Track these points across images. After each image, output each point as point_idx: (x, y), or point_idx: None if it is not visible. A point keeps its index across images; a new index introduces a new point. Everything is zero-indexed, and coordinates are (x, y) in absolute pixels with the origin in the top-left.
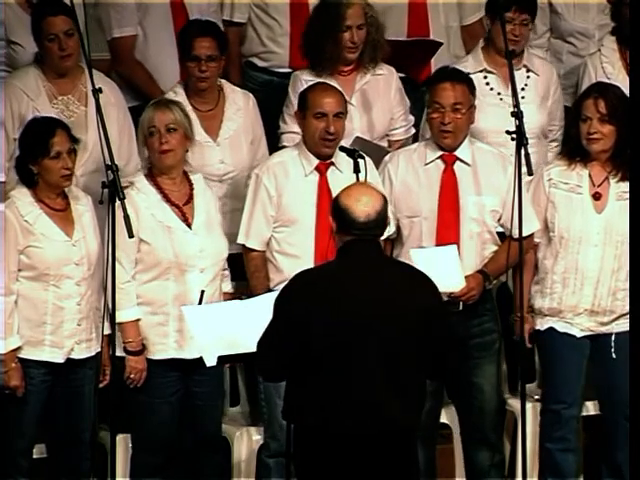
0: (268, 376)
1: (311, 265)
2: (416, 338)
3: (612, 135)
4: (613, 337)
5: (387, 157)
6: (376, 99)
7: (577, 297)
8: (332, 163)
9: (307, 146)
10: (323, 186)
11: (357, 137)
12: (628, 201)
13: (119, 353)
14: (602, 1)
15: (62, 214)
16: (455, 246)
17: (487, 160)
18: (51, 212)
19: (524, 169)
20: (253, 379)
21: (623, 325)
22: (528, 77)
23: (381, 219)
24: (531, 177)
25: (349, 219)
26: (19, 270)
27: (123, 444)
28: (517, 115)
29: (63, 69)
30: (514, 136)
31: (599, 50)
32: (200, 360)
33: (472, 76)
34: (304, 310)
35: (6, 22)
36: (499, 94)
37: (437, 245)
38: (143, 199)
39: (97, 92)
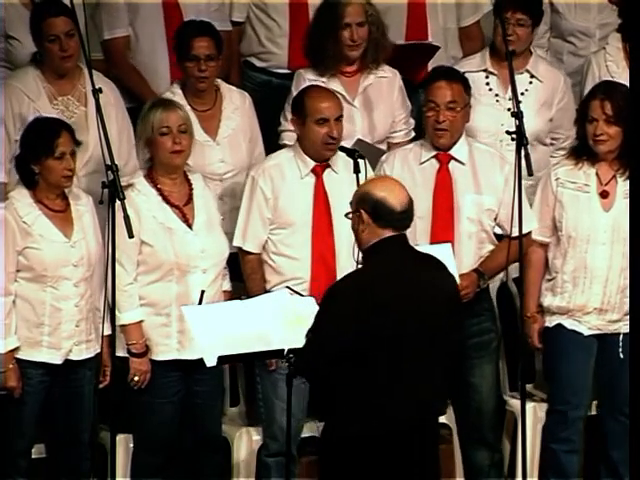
0: (312, 375)
1: (308, 266)
2: (447, 325)
3: (618, 136)
4: (621, 337)
5: (383, 157)
6: (379, 101)
7: (586, 296)
8: (328, 165)
9: (306, 150)
10: (319, 188)
11: (358, 139)
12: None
13: (119, 353)
14: (603, 0)
15: (61, 215)
16: (449, 244)
17: (483, 159)
18: (50, 213)
19: (524, 170)
20: (253, 379)
21: None
22: (530, 82)
23: (412, 209)
24: (530, 177)
25: (387, 209)
26: (17, 271)
27: (123, 444)
28: (517, 115)
29: (64, 70)
30: (514, 136)
31: (604, 48)
32: (201, 360)
33: (474, 74)
34: (359, 310)
35: (5, 17)
36: (497, 95)
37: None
38: (144, 201)
39: (97, 92)
